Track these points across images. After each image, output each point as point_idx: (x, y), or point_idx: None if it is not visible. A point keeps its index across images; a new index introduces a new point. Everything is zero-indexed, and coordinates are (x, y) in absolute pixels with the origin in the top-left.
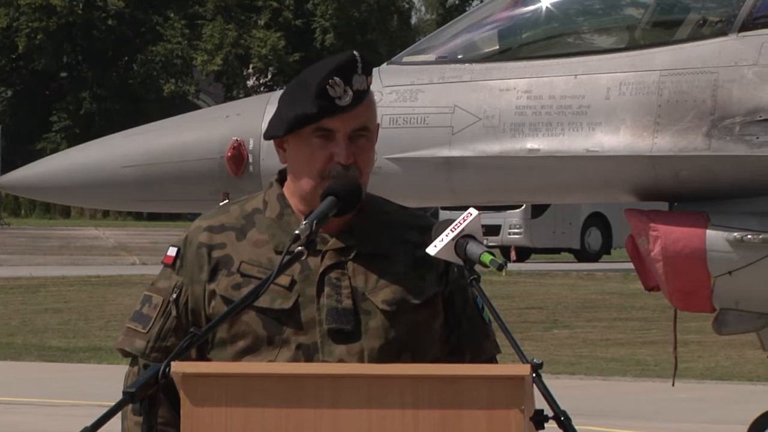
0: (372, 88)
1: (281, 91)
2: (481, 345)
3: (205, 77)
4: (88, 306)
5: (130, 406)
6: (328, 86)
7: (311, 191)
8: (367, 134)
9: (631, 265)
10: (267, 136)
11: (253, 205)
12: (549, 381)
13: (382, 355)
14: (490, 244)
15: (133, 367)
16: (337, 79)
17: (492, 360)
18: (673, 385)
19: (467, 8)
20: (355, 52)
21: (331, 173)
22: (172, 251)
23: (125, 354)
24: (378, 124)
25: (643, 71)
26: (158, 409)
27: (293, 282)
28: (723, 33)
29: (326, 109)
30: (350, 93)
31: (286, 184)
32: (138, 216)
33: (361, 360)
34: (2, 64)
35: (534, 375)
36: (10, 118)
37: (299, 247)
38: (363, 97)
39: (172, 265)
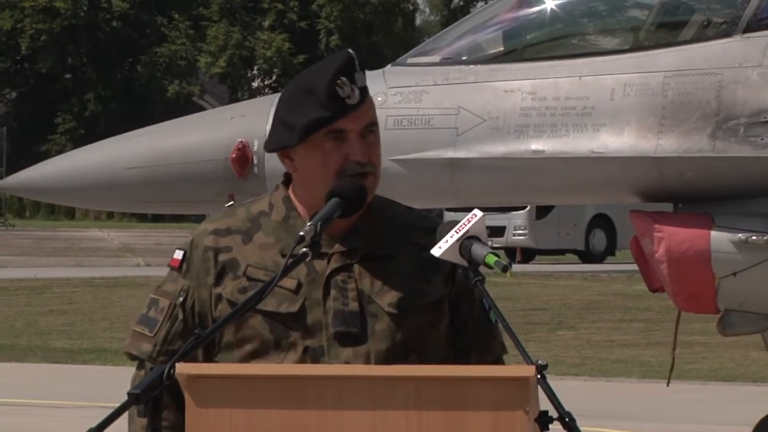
0: (377, 89)
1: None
2: (488, 346)
3: (209, 79)
4: (92, 307)
5: (136, 410)
6: (337, 87)
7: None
8: (376, 130)
9: (635, 267)
10: (273, 147)
11: (259, 208)
12: (554, 382)
13: (388, 358)
14: (495, 245)
15: (140, 371)
16: (344, 78)
17: (499, 361)
18: (668, 385)
19: (472, 9)
20: (349, 50)
21: (348, 171)
22: (178, 254)
23: (132, 357)
24: None
25: (647, 72)
26: (163, 410)
27: (299, 285)
28: (727, 34)
29: (339, 110)
30: (357, 91)
31: (294, 191)
32: (142, 217)
33: (367, 363)
34: (7, 66)
35: (539, 376)
36: (14, 120)
37: (304, 249)
38: (366, 93)
39: (179, 268)
